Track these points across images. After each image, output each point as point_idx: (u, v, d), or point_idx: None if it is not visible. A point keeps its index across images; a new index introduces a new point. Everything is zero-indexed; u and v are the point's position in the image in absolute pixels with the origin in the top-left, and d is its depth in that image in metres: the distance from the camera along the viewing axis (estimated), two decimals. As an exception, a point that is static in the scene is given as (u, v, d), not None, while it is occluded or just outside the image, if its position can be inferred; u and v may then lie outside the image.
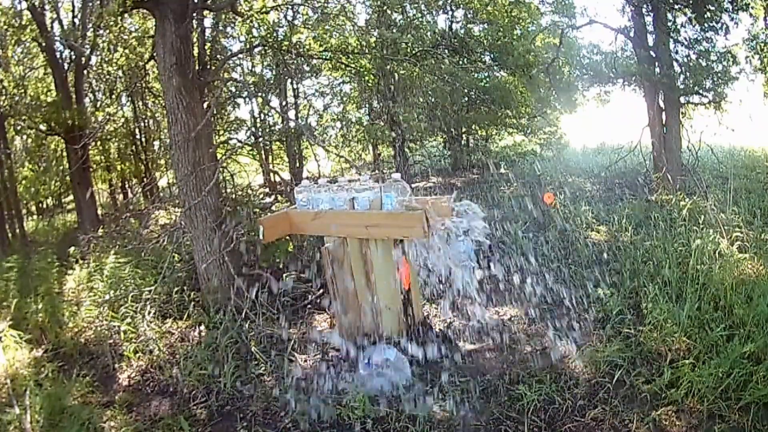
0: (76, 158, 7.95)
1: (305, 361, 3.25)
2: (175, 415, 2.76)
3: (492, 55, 9.82)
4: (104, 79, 9.48)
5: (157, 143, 10.69)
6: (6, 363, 3.30)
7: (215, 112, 6.97)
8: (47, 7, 7.85)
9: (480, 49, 9.64)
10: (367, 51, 7.65)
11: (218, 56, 7.43)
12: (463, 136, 12.02)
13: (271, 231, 3.42)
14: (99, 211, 9.24)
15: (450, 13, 9.70)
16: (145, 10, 5.02)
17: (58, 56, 8.26)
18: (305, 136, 7.76)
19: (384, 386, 2.82)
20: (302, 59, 7.87)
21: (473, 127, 11.50)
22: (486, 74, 10.24)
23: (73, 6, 8.45)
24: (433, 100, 9.45)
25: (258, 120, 10.78)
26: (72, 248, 5.53)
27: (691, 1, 6.71)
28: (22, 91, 8.57)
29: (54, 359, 3.49)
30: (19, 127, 8.64)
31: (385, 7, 8.62)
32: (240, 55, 8.72)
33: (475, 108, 10.93)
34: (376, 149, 11.61)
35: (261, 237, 3.35)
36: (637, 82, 7.71)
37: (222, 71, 7.43)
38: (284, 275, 4.40)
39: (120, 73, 8.99)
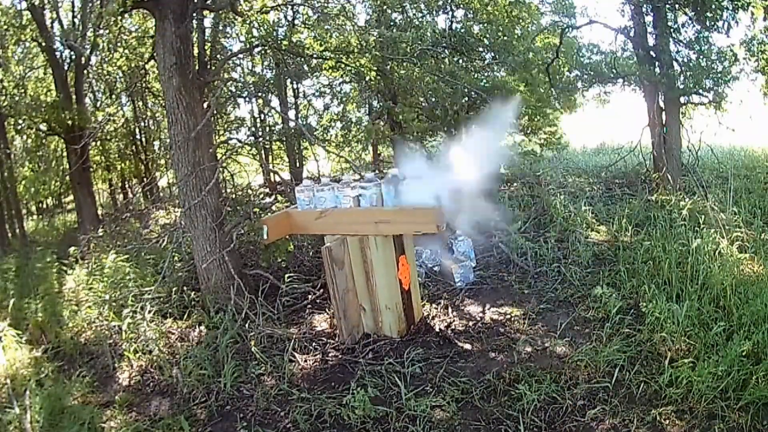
0: (76, 158, 7.95)
1: (305, 360, 3.25)
2: (175, 415, 2.76)
3: (492, 55, 9.81)
4: (104, 79, 9.49)
5: (157, 143, 10.71)
6: (6, 363, 3.31)
7: (215, 112, 6.97)
8: (47, 7, 7.84)
9: (480, 48, 9.62)
10: (367, 51, 7.65)
11: (218, 56, 7.43)
12: (463, 136, 12.00)
13: (275, 231, 3.43)
14: (99, 211, 9.24)
15: (450, 12, 9.68)
16: (145, 10, 5.01)
17: (58, 56, 8.26)
18: (305, 136, 7.77)
19: None
20: (302, 59, 7.87)
21: (473, 127, 11.47)
22: (486, 74, 10.22)
23: (73, 6, 8.45)
24: (433, 99, 9.43)
25: (258, 120, 10.77)
26: (72, 248, 5.52)
27: (691, 0, 6.69)
28: (22, 91, 8.58)
29: (54, 359, 3.50)
30: (19, 127, 8.65)
31: (385, 7, 8.61)
32: (240, 55, 8.72)
33: (475, 108, 10.90)
34: (376, 149, 11.60)
35: (265, 237, 3.35)
36: (637, 82, 7.69)
37: (222, 71, 7.42)
38: (285, 275, 4.40)
39: (120, 73, 8.99)
